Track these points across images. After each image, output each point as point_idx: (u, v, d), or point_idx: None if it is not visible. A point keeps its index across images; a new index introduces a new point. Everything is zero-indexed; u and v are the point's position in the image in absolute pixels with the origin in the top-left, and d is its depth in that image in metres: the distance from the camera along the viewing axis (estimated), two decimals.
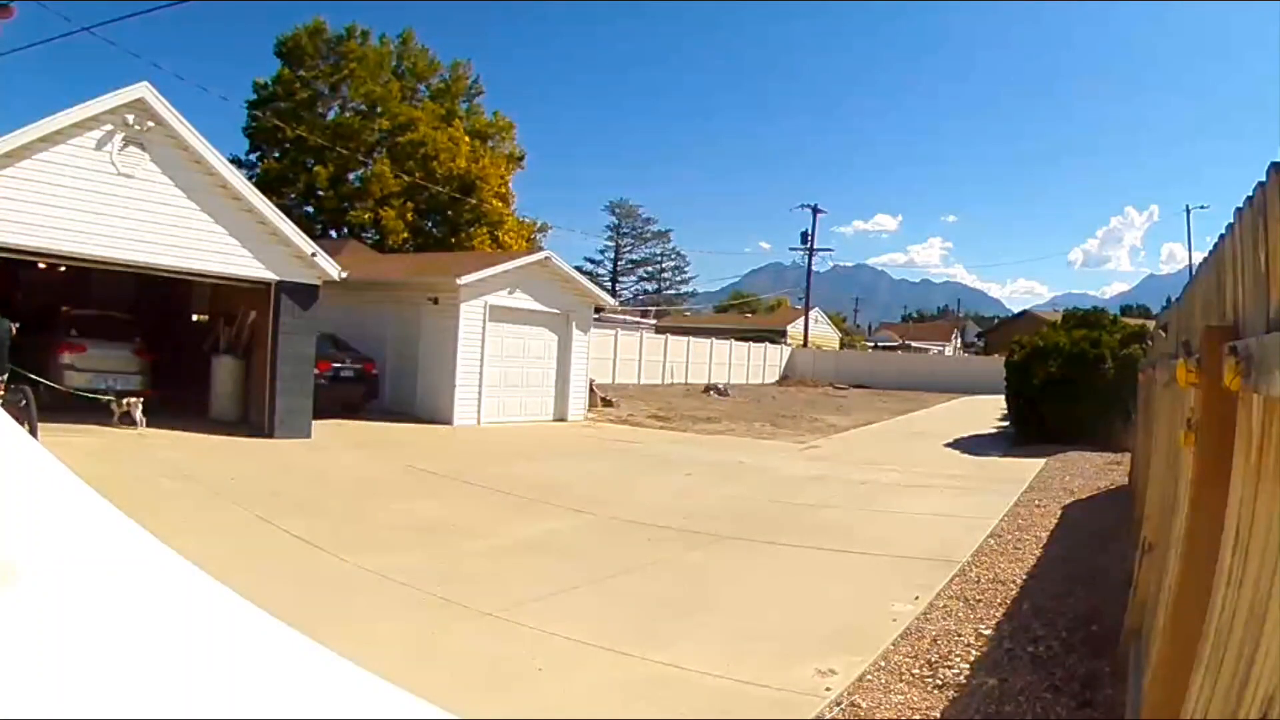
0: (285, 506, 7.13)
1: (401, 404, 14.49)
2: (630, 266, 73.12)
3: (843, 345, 51.71)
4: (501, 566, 5.76)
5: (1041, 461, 11.93)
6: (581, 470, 10.36)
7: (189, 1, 16.89)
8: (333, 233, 32.43)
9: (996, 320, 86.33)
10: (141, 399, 10.73)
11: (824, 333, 50.93)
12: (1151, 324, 11.28)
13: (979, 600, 5.16)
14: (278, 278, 11.19)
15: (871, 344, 60.03)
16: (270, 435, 11.08)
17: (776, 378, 36.52)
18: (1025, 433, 15.04)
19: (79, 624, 0.86)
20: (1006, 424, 17.19)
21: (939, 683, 3.83)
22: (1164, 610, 2.26)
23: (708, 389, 26.37)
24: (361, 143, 33.47)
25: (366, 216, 32.99)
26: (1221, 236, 2.27)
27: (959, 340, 68.45)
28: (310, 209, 33.79)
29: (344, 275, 11.90)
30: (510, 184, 36.48)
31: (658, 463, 11.33)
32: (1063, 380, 14.08)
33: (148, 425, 10.66)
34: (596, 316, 19.91)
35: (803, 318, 47.02)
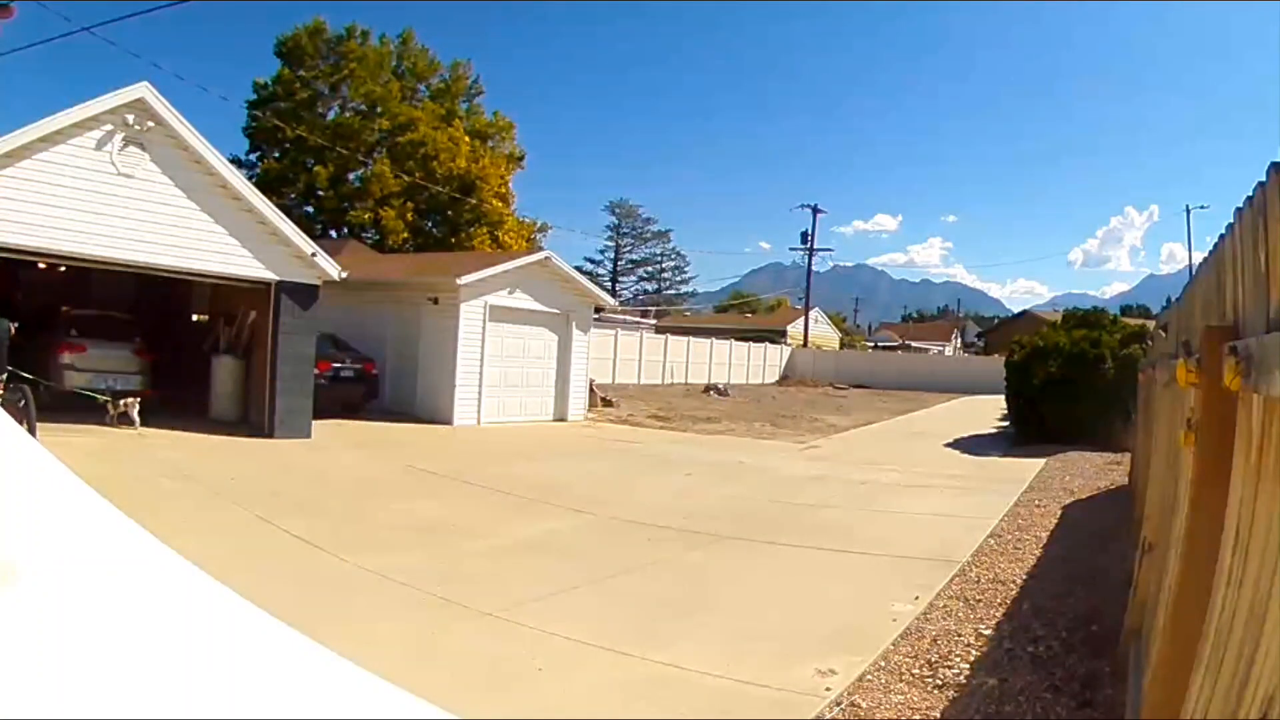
0: (285, 506, 7.13)
1: (401, 404, 14.49)
2: (630, 266, 73.21)
3: (843, 345, 51.71)
4: (501, 566, 5.76)
5: (1041, 461, 11.93)
6: (581, 470, 10.36)
7: (189, 1, 16.89)
8: (333, 233, 32.44)
9: (996, 320, 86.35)
10: (139, 399, 10.73)
11: (824, 333, 50.94)
12: (1151, 324, 11.28)
13: (979, 600, 5.16)
14: (278, 278, 11.19)
15: (871, 344, 60.04)
16: (270, 435, 11.08)
17: (776, 378, 36.52)
18: (1025, 433, 15.04)
19: (79, 624, 0.86)
20: (1006, 424, 17.19)
21: (939, 683, 3.83)
22: (1164, 610, 2.26)
23: (708, 389, 26.37)
24: (361, 143, 33.48)
25: (366, 216, 32.99)
26: (1221, 236, 2.27)
27: (959, 340, 68.45)
28: (310, 209, 33.80)
29: (344, 275, 11.90)
30: (510, 184, 36.52)
31: (658, 463, 11.33)
32: (1063, 380, 14.08)
33: (148, 425, 10.66)
34: (596, 316, 19.91)
35: (803, 318, 47.03)
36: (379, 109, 34.25)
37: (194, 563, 1.05)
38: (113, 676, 0.80)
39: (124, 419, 10.48)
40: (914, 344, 59.61)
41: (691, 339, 32.68)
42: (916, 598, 5.15)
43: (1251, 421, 1.46)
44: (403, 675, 0.99)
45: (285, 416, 11.25)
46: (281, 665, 0.93)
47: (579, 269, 19.81)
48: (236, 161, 31.11)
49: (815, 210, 45.45)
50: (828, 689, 3.70)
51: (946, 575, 5.71)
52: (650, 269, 73.84)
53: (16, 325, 9.43)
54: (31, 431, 7.10)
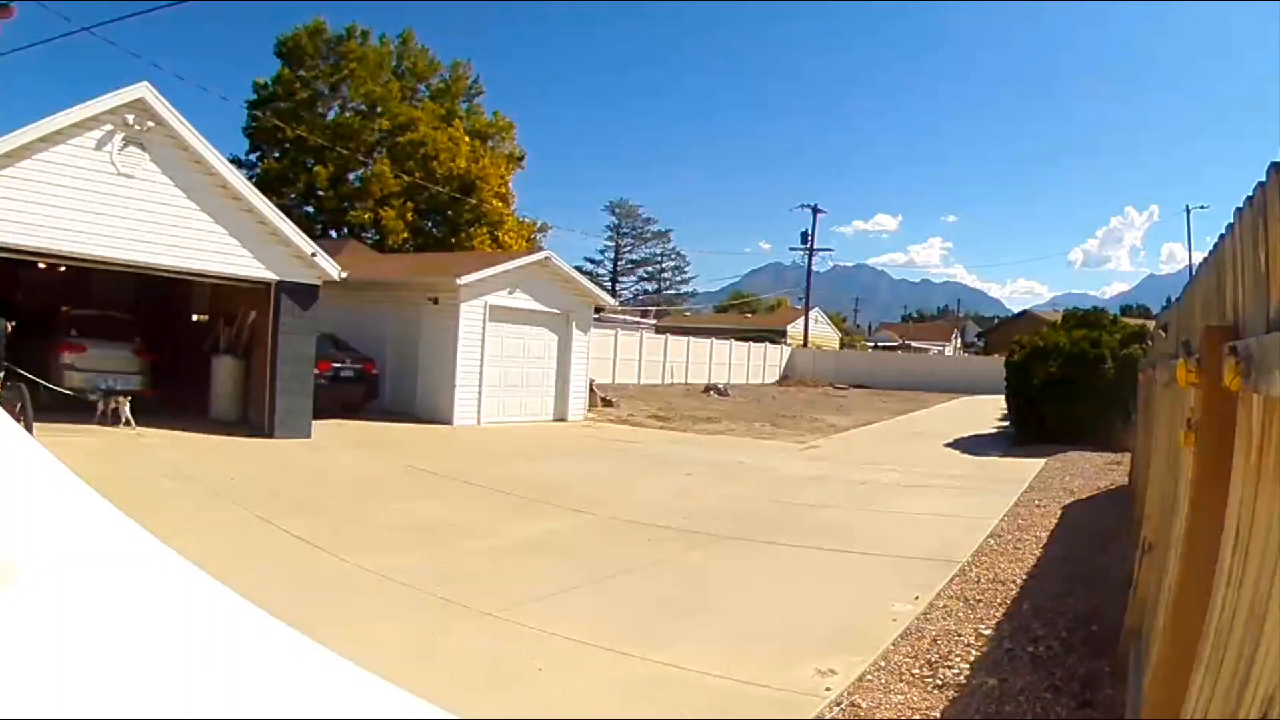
0: (285, 506, 7.13)
1: (401, 404, 14.49)
2: (630, 266, 73.20)
3: (843, 345, 51.71)
4: (501, 566, 5.76)
5: (1041, 461, 11.93)
6: (581, 470, 10.36)
7: (189, 1, 16.89)
8: (333, 233, 32.44)
9: (996, 320, 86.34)
10: (129, 397, 10.72)
11: (824, 333, 50.93)
12: (1151, 324, 11.28)
13: (979, 600, 5.16)
14: (278, 278, 11.19)
15: (871, 344, 60.03)
16: (270, 435, 11.08)
17: (776, 378, 36.52)
18: (1025, 433, 15.04)
19: (79, 624, 0.86)
20: (1006, 424, 17.19)
21: (939, 683, 3.83)
22: (1164, 610, 2.26)
23: (708, 389, 26.37)
24: (361, 143, 33.47)
25: (366, 216, 32.99)
26: (1221, 236, 2.27)
27: (959, 340, 68.44)
28: (310, 209, 33.80)
29: (344, 275, 11.90)
30: (510, 184, 36.51)
31: (658, 463, 11.33)
32: (1063, 380, 14.08)
33: (148, 426, 10.66)
34: (596, 316, 19.91)
35: (803, 318, 47.02)
36: (379, 109, 34.25)
37: (194, 563, 1.05)
38: (113, 676, 0.80)
39: (114, 417, 10.47)
40: (914, 344, 59.60)
41: (691, 339, 32.68)
42: (916, 598, 5.15)
43: (1251, 421, 1.46)
44: (403, 675, 0.99)
45: (285, 416, 11.25)
46: (281, 665, 0.93)
47: (579, 269, 19.82)
48: (236, 161, 31.12)
49: (815, 210, 45.49)
50: (828, 689, 3.70)
51: (946, 575, 5.71)
52: (650, 269, 73.92)
53: (14, 325, 9.43)
54: (28, 430, 7.09)
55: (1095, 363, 13.81)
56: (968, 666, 4.03)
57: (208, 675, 0.85)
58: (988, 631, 4.56)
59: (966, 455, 13.32)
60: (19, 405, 8.08)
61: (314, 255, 11.40)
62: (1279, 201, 1.37)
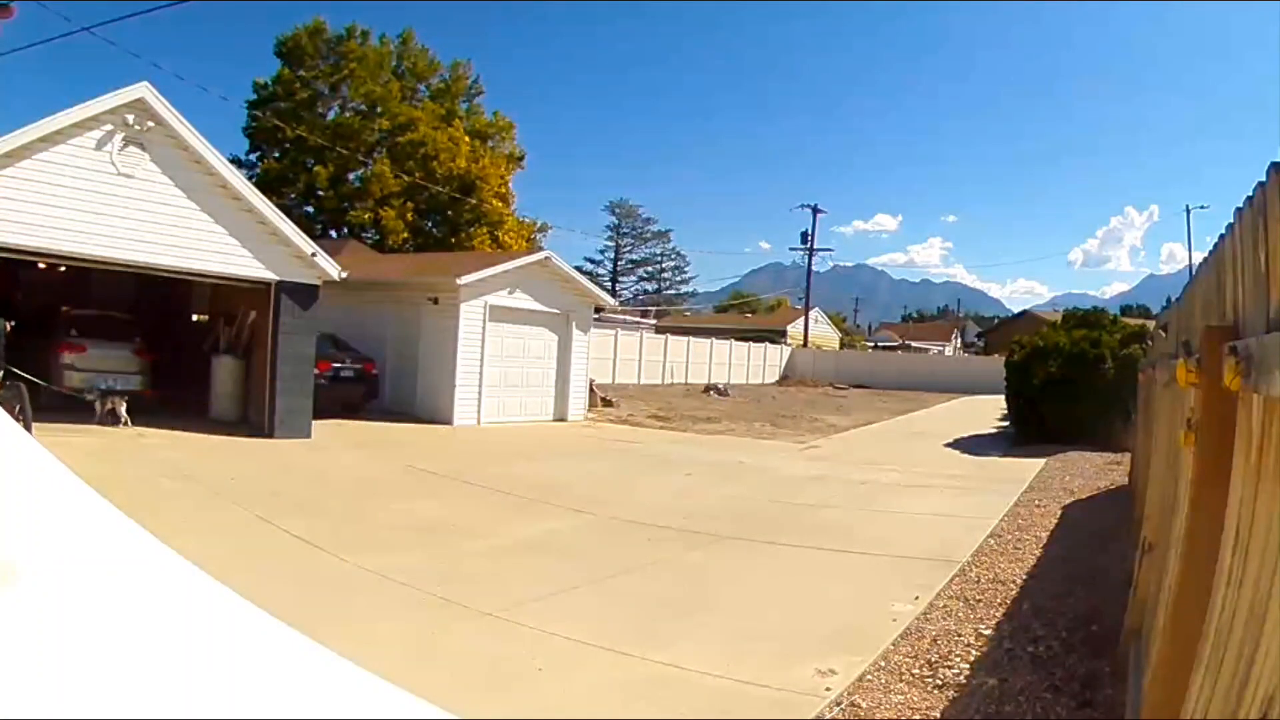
0: (285, 506, 7.13)
1: (401, 404, 14.49)
2: (630, 266, 73.20)
3: (843, 345, 51.71)
4: (501, 566, 5.76)
5: (1041, 461, 11.93)
6: (581, 470, 10.36)
7: (189, 1, 16.89)
8: (333, 233, 32.44)
9: (996, 320, 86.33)
10: (125, 397, 10.72)
11: (824, 333, 50.93)
12: (1151, 324, 11.28)
13: (979, 600, 5.16)
14: (278, 278, 11.19)
15: (871, 344, 60.03)
16: (270, 435, 11.08)
17: (776, 378, 36.52)
18: (1025, 433, 15.04)
19: (79, 624, 0.86)
20: (1006, 424, 17.19)
21: (939, 683, 3.83)
22: (1164, 610, 2.26)
23: (708, 389, 26.37)
24: (361, 143, 33.47)
25: (366, 216, 32.99)
26: (1221, 236, 2.27)
27: (959, 340, 68.44)
28: (310, 209, 33.80)
29: (344, 275, 11.90)
30: (510, 184, 36.51)
31: (658, 463, 11.33)
32: (1063, 380, 14.07)
33: (148, 425, 10.66)
34: (596, 316, 19.91)
35: (803, 318, 47.02)
36: (379, 109, 34.25)
37: (194, 563, 1.05)
38: (113, 676, 0.80)
39: (113, 417, 10.47)
40: (914, 344, 59.60)
41: (691, 339, 32.67)
42: (916, 598, 5.15)
43: (1251, 421, 1.46)
44: (403, 675, 0.99)
45: (285, 416, 11.25)
46: (282, 665, 0.93)
47: (579, 269, 19.82)
48: (236, 161, 31.13)
49: (815, 210, 45.48)
50: (828, 689, 3.70)
51: (946, 575, 5.71)
52: (650, 269, 73.92)
53: (14, 324, 9.43)
54: (26, 430, 7.08)
55: (1095, 363, 13.81)
56: (968, 666, 4.03)
57: (208, 675, 0.85)
58: (988, 631, 4.56)
59: (966, 455, 13.32)
60: (17, 406, 8.08)
61: (314, 255, 11.40)
62: (1279, 201, 1.37)
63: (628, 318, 38.14)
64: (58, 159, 9.05)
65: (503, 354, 14.98)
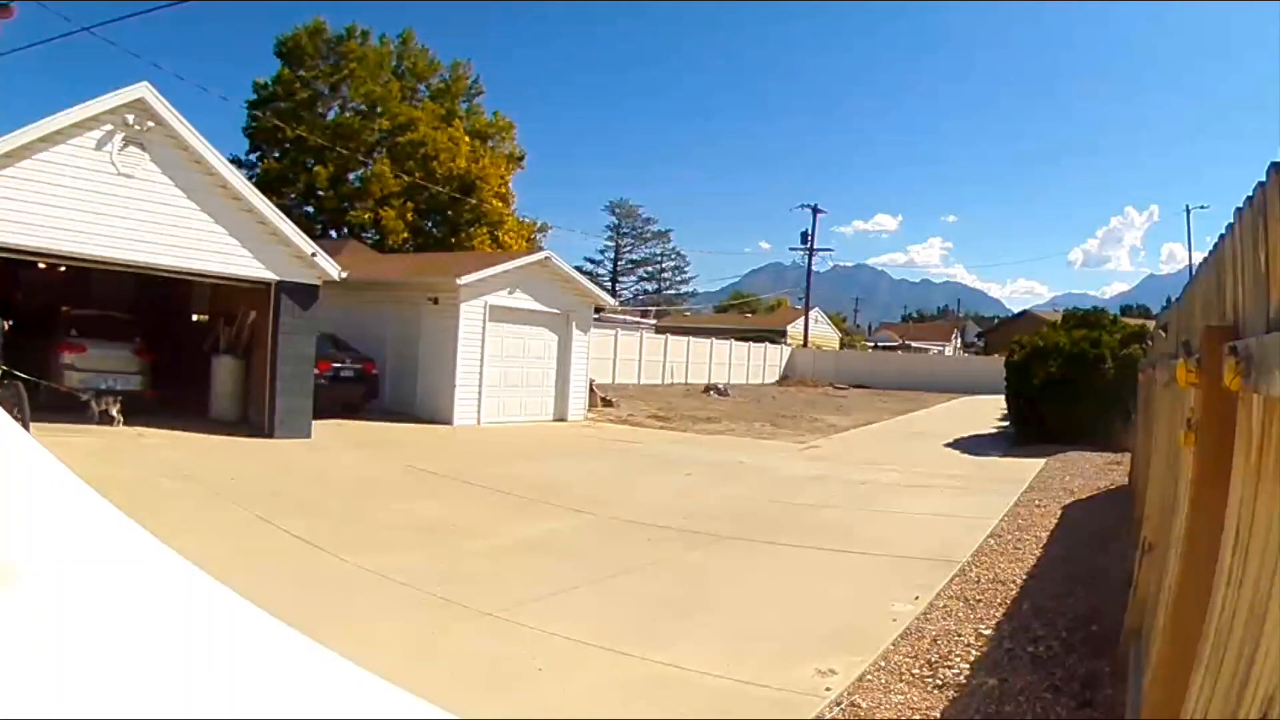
0: (285, 506, 7.13)
1: (401, 404, 14.49)
2: (630, 266, 73.20)
3: (843, 345, 51.71)
4: (501, 566, 5.76)
5: (1041, 461, 11.93)
6: (581, 470, 10.36)
7: (189, 1, 16.90)
8: (333, 233, 32.44)
9: (996, 320, 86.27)
10: (119, 398, 10.72)
11: (824, 333, 50.93)
12: (1151, 324, 11.28)
13: (979, 600, 5.16)
14: (278, 278, 11.19)
15: (871, 344, 60.03)
16: (270, 435, 11.08)
17: (776, 378, 36.52)
18: (1025, 433, 15.04)
19: (79, 624, 0.86)
20: (1006, 424, 17.19)
21: (939, 683, 3.83)
22: (1164, 610, 2.26)
23: (708, 389, 26.37)
24: (361, 143, 33.47)
25: (366, 216, 33.00)
26: (1221, 236, 2.27)
27: (959, 340, 68.44)
28: (310, 209, 33.80)
29: (344, 275, 11.90)
30: (510, 184, 36.51)
31: (658, 463, 11.33)
32: (1063, 380, 14.08)
33: (148, 425, 10.67)
34: (596, 316, 19.91)
35: (803, 318, 47.02)
36: (379, 109, 34.25)
37: (194, 563, 1.05)
38: (113, 676, 0.80)
39: (105, 416, 10.47)
40: (914, 344, 59.61)
41: (691, 339, 32.67)
42: (916, 598, 5.15)
43: (1251, 421, 1.46)
44: (403, 675, 0.99)
45: (285, 416, 11.25)
46: (282, 665, 0.93)
47: (579, 269, 19.82)
48: (236, 161, 31.13)
49: (815, 210, 45.49)
50: (828, 689, 3.70)
51: (946, 575, 5.71)
52: (650, 269, 73.91)
53: (12, 324, 9.42)
54: (25, 429, 7.08)
55: (1095, 363, 13.81)
56: (968, 666, 4.03)
57: (208, 675, 0.85)
58: (988, 631, 4.56)
59: (966, 455, 13.32)
60: (15, 405, 8.08)
61: (314, 255, 11.40)
62: (1279, 201, 1.37)
63: (628, 318, 38.15)
64: (58, 159, 9.05)
65: (503, 354, 14.98)
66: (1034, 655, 4.16)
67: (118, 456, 8.82)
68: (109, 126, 9.44)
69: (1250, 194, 1.66)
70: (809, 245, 45.28)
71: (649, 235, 73.58)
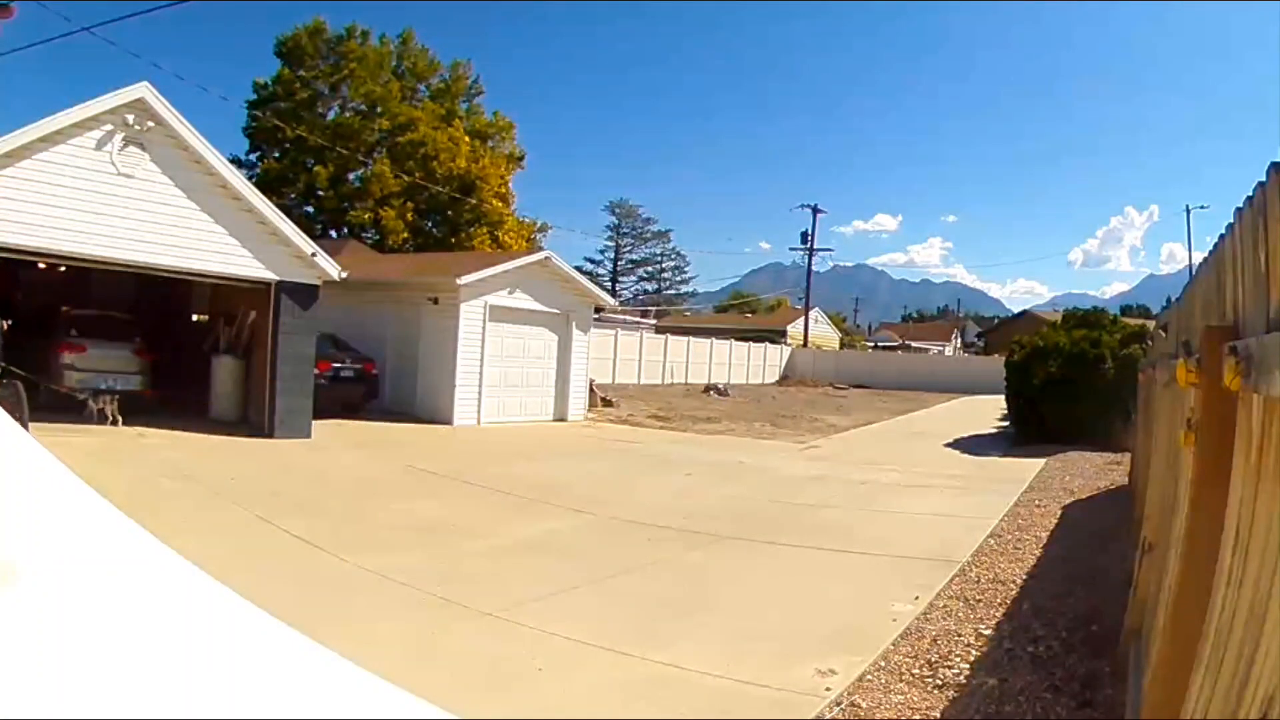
0: (285, 506, 7.13)
1: (401, 404, 14.49)
2: (630, 266, 73.21)
3: (843, 345, 51.71)
4: (501, 566, 5.76)
5: (1041, 461, 11.93)
6: (581, 470, 10.36)
7: (189, 1, 16.90)
8: (333, 233, 32.44)
9: (996, 320, 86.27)
10: (115, 397, 10.72)
11: (824, 333, 50.93)
12: (1151, 324, 11.28)
13: (979, 600, 5.16)
14: (278, 278, 11.19)
15: (871, 344, 60.03)
16: (270, 435, 11.08)
17: (776, 378, 36.52)
18: (1025, 433, 15.04)
19: (79, 624, 0.86)
20: (1006, 424, 17.19)
21: (939, 683, 3.83)
22: (1164, 610, 2.26)
23: (708, 389, 26.37)
24: (361, 143, 33.47)
25: (366, 216, 32.99)
26: (1221, 236, 2.27)
27: (959, 340, 68.44)
28: (310, 209, 33.80)
29: (344, 275, 11.90)
30: (510, 184, 36.51)
31: (658, 463, 11.33)
32: (1063, 380, 14.08)
33: (148, 425, 10.67)
34: (596, 316, 19.91)
35: (803, 318, 47.02)
36: (379, 109, 34.25)
37: (194, 563, 1.05)
38: (113, 676, 0.80)
39: (101, 415, 10.46)
40: (914, 344, 59.61)
41: (691, 339, 32.68)
42: (916, 598, 5.15)
43: (1251, 421, 1.46)
44: (403, 675, 0.99)
45: (285, 416, 11.25)
46: (282, 665, 0.93)
47: (579, 269, 19.82)
48: (236, 161, 31.13)
49: (815, 210, 45.49)
50: (828, 689, 3.70)
51: (946, 575, 5.71)
52: (650, 269, 73.92)
53: (10, 324, 9.42)
54: (24, 428, 7.08)
55: (1095, 363, 13.81)
56: (968, 666, 4.03)
57: (208, 675, 0.85)
58: (988, 631, 4.56)
59: (966, 455, 13.32)
60: (14, 404, 8.07)
61: (314, 255, 11.40)
62: (1279, 201, 1.37)
63: (628, 318, 38.15)
64: (58, 159, 9.05)
65: (503, 354, 14.98)
66: (1034, 655, 4.16)
67: (118, 456, 8.82)
68: (109, 126, 9.44)
69: (1250, 194, 1.66)
70: (809, 245, 45.31)
71: (649, 235, 73.66)
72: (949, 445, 14.64)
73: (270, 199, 12.11)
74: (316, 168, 32.85)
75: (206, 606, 0.99)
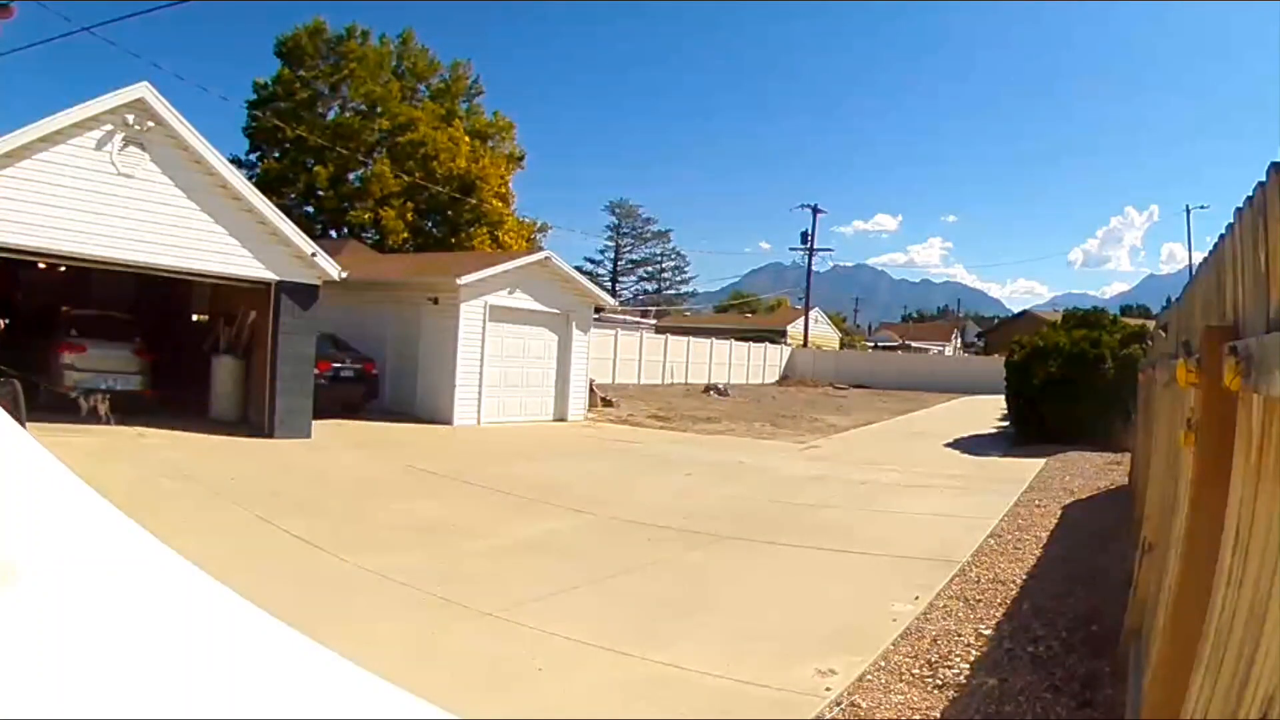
0: (285, 506, 7.13)
1: (401, 404, 14.49)
2: (630, 266, 73.21)
3: (843, 345, 51.71)
4: (501, 566, 5.76)
5: (1041, 461, 11.93)
6: (581, 470, 10.36)
7: (189, 1, 16.90)
8: (333, 233, 32.44)
9: (996, 320, 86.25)
10: (108, 396, 10.73)
11: (824, 333, 50.93)
12: (1151, 324, 11.28)
13: (979, 600, 5.16)
14: (278, 278, 11.19)
15: (871, 344, 60.03)
16: (270, 435, 11.08)
17: (776, 378, 36.52)
18: (1025, 433, 15.04)
19: (79, 624, 0.86)
20: (1006, 424, 17.19)
21: (939, 683, 3.83)
22: (1164, 610, 2.26)
23: (708, 389, 26.37)
24: (361, 143, 33.47)
25: (366, 216, 33.00)
26: (1221, 236, 2.27)
27: (959, 340, 68.43)
28: (310, 209, 33.80)
29: (344, 275, 11.90)
30: (510, 184, 36.51)
31: (658, 463, 11.33)
32: (1063, 380, 14.07)
33: (148, 425, 10.67)
34: (596, 316, 19.91)
35: (803, 318, 47.02)
36: (379, 109, 34.25)
37: (194, 563, 1.05)
38: (113, 676, 0.80)
39: (93, 414, 10.46)
40: (914, 344, 59.60)
41: (691, 339, 32.67)
42: (916, 598, 5.15)
43: (1251, 421, 1.46)
44: (403, 675, 0.99)
45: (285, 416, 11.25)
46: (282, 665, 0.93)
47: (579, 269, 19.82)
48: (236, 161, 31.13)
49: (815, 210, 45.49)
50: (828, 689, 3.70)
51: (946, 575, 5.71)
52: (650, 269, 73.93)
53: (7, 322, 9.42)
54: (21, 426, 7.08)
55: (1095, 363, 13.81)
56: (968, 666, 4.03)
57: (208, 675, 0.85)
58: (988, 631, 4.56)
59: (966, 455, 13.32)
60: (12, 404, 8.06)
61: (314, 255, 11.40)
62: (1279, 201, 1.37)
63: (628, 318, 38.14)
64: (58, 159, 9.05)
65: (503, 354, 14.98)
66: (1034, 655, 4.16)
67: (118, 456, 8.82)
68: (109, 126, 9.44)
69: (1250, 194, 1.66)
70: (809, 245, 45.31)
71: (649, 235, 73.66)
72: (949, 445, 14.64)
73: (270, 199, 12.11)
74: (316, 168, 32.85)
75: (206, 606, 0.99)
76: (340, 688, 0.92)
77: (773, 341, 40.37)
